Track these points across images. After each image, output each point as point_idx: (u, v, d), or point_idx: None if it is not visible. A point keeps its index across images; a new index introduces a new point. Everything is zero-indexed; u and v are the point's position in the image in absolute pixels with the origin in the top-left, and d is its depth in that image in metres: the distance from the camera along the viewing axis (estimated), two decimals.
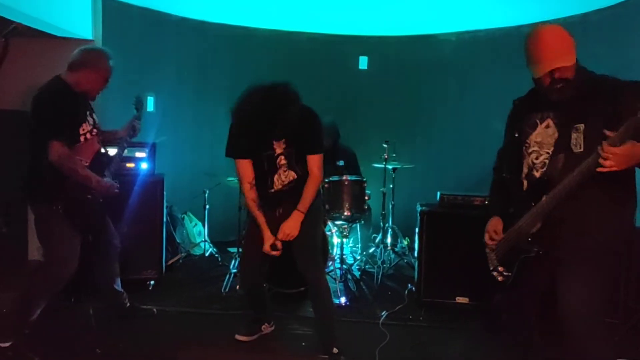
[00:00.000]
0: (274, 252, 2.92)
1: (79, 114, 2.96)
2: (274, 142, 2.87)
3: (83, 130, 2.97)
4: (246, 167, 2.91)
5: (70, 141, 2.86)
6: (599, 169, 1.84)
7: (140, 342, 3.20)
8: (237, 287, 4.15)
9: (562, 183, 1.99)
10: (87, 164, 2.99)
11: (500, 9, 5.07)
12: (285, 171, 2.92)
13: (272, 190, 2.96)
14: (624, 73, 2.10)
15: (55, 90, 2.90)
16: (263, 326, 3.33)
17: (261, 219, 2.94)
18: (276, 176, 2.93)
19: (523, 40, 2.14)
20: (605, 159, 1.81)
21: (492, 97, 5.40)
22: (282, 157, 2.90)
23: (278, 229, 2.93)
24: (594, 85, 2.07)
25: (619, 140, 1.79)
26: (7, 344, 2.83)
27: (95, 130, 3.07)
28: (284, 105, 2.66)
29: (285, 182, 2.94)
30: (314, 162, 2.90)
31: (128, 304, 3.51)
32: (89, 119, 3.05)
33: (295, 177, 2.92)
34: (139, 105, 3.43)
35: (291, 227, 2.89)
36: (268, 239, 2.92)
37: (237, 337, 3.24)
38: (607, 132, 1.82)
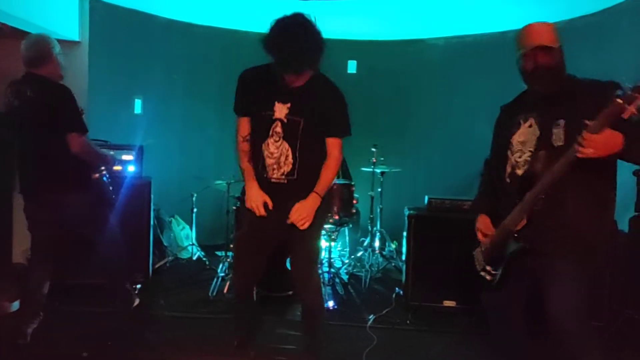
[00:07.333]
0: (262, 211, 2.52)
1: None
2: (276, 103, 2.48)
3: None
4: (244, 123, 2.60)
5: (84, 131, 2.98)
6: (579, 155, 1.88)
7: (127, 345, 3.17)
8: (225, 290, 4.13)
9: (544, 176, 2.03)
10: None
11: (487, 15, 5.11)
12: (276, 141, 2.49)
13: (267, 176, 2.54)
14: (607, 79, 2.14)
15: (62, 85, 2.96)
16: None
17: (249, 173, 2.56)
18: (264, 145, 2.51)
19: (509, 45, 2.19)
20: (584, 147, 1.85)
21: (479, 101, 5.44)
22: (279, 123, 2.48)
23: (269, 237, 2.62)
24: (574, 84, 2.14)
25: (598, 128, 1.84)
26: None
27: None
28: (308, 32, 2.56)
29: (283, 170, 2.51)
30: (335, 145, 2.56)
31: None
32: None
33: (292, 159, 2.49)
34: None
35: (308, 210, 2.46)
36: (257, 196, 2.50)
37: None
38: (587, 122, 1.87)
